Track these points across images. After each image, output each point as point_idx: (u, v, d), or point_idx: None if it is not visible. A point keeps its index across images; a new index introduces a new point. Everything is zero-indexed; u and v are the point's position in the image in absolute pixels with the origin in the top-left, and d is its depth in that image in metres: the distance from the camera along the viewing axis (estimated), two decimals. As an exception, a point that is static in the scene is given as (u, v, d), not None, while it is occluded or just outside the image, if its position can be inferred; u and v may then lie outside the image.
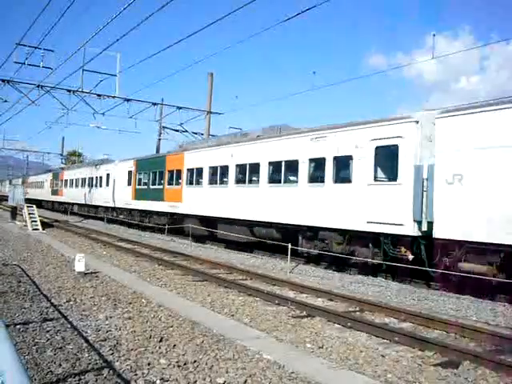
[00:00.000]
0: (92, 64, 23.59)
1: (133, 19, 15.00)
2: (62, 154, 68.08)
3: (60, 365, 5.61)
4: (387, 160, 13.39)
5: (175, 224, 24.64)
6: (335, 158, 14.81)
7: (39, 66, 24.01)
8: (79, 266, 12.15)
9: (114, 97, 27.89)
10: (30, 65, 23.88)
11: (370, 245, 13.64)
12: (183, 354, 6.25)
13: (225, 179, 20.73)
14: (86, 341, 6.63)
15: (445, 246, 11.68)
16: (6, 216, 34.77)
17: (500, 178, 10.61)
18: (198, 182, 22.96)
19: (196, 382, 5.35)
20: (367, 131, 13.84)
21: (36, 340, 6.55)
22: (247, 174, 19.08)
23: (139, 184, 29.21)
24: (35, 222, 26.82)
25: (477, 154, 11.00)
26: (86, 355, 6.01)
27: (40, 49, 23.49)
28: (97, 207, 36.85)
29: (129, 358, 5.98)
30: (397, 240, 12.94)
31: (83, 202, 39.57)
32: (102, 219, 34.73)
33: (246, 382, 5.42)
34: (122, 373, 5.47)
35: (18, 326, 7.15)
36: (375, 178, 13.56)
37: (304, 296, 11.10)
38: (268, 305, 10.06)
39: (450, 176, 11.52)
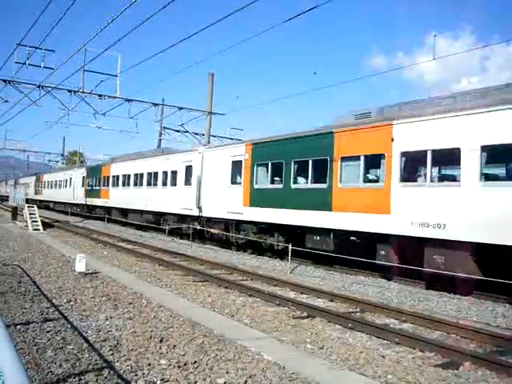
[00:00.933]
0: (93, 64, 23.65)
1: (134, 19, 15.02)
2: (62, 155, 68.10)
3: (60, 365, 5.61)
4: (188, 173, 23.61)
5: (109, 214, 34.45)
6: (164, 172, 26.41)
7: (40, 67, 23.98)
8: (80, 267, 12.15)
9: (114, 97, 27.85)
10: (30, 65, 23.83)
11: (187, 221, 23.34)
12: (183, 355, 6.25)
13: (129, 183, 31.12)
14: (87, 341, 6.63)
15: (207, 220, 21.75)
16: (7, 216, 34.77)
17: (216, 184, 20.91)
18: (117, 185, 33.28)
19: (196, 382, 5.35)
20: (179, 156, 25.18)
21: (36, 340, 6.54)
22: (138, 179, 29.68)
23: (89, 186, 39.55)
24: (36, 222, 26.82)
25: (210, 170, 21.65)
26: (87, 355, 6.01)
27: (41, 49, 23.46)
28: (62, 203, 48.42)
29: (129, 359, 5.97)
30: (192, 218, 22.81)
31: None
32: (102, 219, 34.78)
33: (246, 382, 5.42)
34: (123, 373, 5.47)
35: (18, 326, 7.15)
36: (185, 183, 23.75)
37: (304, 296, 11.10)
38: (268, 305, 10.06)
39: (206, 182, 21.68)
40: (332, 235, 14.79)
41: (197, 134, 34.53)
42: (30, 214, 27.40)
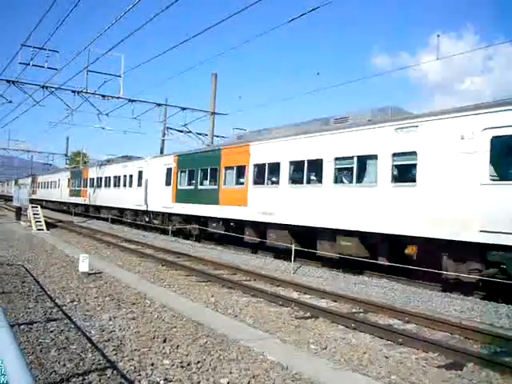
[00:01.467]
0: (96, 65, 23.68)
1: (137, 20, 15.03)
2: (66, 155, 68.10)
3: (64, 365, 5.62)
4: (140, 177, 29.43)
5: (87, 211, 40.27)
6: (125, 176, 32.47)
7: (44, 67, 24.02)
8: (83, 267, 12.18)
9: (118, 97, 27.89)
10: (34, 65, 23.89)
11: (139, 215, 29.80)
12: (187, 355, 6.25)
13: (101, 185, 37.12)
14: (90, 341, 6.65)
15: (153, 213, 27.65)
16: (11, 216, 34.88)
17: (156, 186, 26.77)
18: (92, 186, 39.15)
19: (199, 382, 5.35)
20: (134, 163, 31.10)
21: (40, 340, 6.56)
22: (107, 181, 35.87)
23: (72, 187, 45.33)
24: (39, 222, 26.89)
25: (153, 175, 27.52)
26: (90, 355, 6.02)
27: (45, 50, 23.50)
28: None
29: (132, 359, 5.98)
30: (142, 212, 28.84)
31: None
32: (106, 220, 34.87)
33: (249, 382, 5.42)
34: (126, 373, 5.48)
35: (22, 326, 7.17)
36: (138, 185, 29.48)
37: (308, 297, 11.09)
38: (272, 305, 10.05)
39: (151, 184, 27.51)
40: (221, 222, 21.06)
41: (200, 134, 34.56)
42: (34, 214, 27.47)
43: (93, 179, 39.49)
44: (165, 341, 6.83)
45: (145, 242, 22.40)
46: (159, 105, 30.27)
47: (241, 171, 19.80)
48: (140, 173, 29.75)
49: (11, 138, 58.60)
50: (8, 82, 25.42)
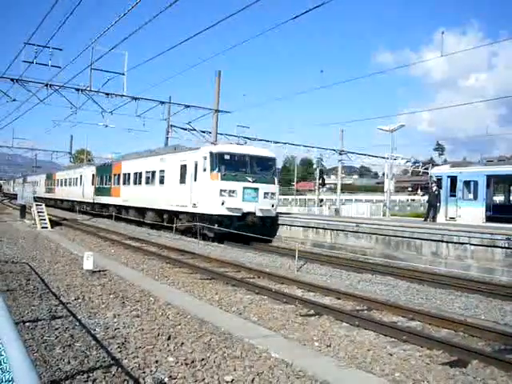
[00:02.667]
0: (100, 63, 23.72)
1: (140, 18, 15.04)
2: (70, 153, 68.36)
3: (69, 362, 5.65)
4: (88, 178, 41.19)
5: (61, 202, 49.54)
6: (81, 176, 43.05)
7: (48, 65, 24.07)
8: (87, 264, 12.20)
9: (122, 95, 27.94)
10: (38, 64, 23.94)
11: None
12: (191, 352, 6.27)
13: (69, 183, 47.98)
14: (95, 338, 6.67)
15: (99, 204, 37.64)
16: (16, 214, 35.00)
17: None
18: (61, 185, 50.52)
19: (204, 379, 5.37)
20: (88, 168, 42.86)
21: (45, 337, 6.59)
22: (76, 180, 45.76)
23: (48, 186, 56.59)
24: (44, 220, 26.96)
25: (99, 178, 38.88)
26: (95, 353, 6.04)
27: (48, 48, 23.54)
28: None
29: (137, 356, 6.00)
30: (89, 204, 40.32)
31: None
32: (110, 217, 34.93)
33: (253, 380, 5.43)
34: (131, 370, 5.50)
35: (27, 324, 7.20)
36: (91, 184, 39.74)
37: (312, 294, 11.09)
38: (276, 303, 10.06)
39: (98, 184, 38.82)
40: (113, 207, 33.73)
41: (204, 131, 34.58)
42: (38, 212, 27.54)
43: (61, 180, 50.92)
44: (169, 338, 6.85)
45: (149, 239, 22.42)
46: (163, 103, 30.30)
47: (118, 177, 32.87)
48: (91, 174, 40.18)
49: (15, 137, 58.68)
50: (12, 80, 25.50)
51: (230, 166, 21.16)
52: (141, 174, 29.38)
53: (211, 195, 20.83)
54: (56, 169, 64.43)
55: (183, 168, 23.46)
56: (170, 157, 25.77)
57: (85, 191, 41.08)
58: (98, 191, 37.65)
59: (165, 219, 25.59)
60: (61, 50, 24.22)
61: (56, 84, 26.13)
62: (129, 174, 31.46)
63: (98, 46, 21.72)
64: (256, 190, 21.22)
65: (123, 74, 26.45)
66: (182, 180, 23.45)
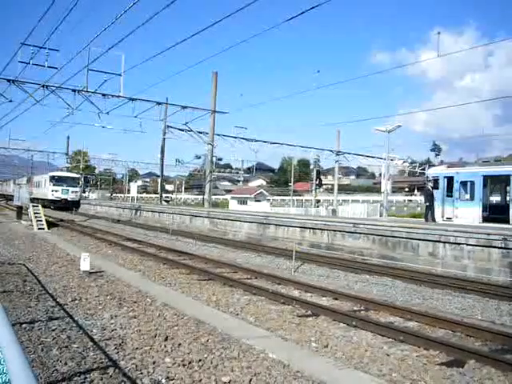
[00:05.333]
0: (97, 64, 23.55)
1: (137, 19, 15.03)
2: (67, 154, 68.22)
3: (66, 363, 5.64)
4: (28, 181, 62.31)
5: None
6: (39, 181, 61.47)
7: (44, 66, 24.06)
8: (84, 265, 12.18)
9: (118, 96, 27.94)
10: (35, 64, 23.93)
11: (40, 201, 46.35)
12: (188, 353, 6.26)
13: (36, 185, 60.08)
14: (92, 340, 6.66)
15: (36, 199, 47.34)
16: (12, 215, 34.92)
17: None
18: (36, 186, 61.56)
19: (201, 380, 5.36)
20: (43, 176, 60.79)
21: (42, 339, 6.58)
22: (37, 183, 59.51)
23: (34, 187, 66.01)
24: (40, 221, 26.89)
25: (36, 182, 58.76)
26: (92, 354, 6.03)
27: (45, 48, 23.53)
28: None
29: (134, 357, 6.00)
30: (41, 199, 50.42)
31: None
32: (107, 219, 34.89)
33: (251, 380, 5.43)
34: (128, 371, 5.49)
35: (23, 325, 7.19)
36: (39, 186, 56.88)
37: (309, 295, 11.09)
38: (273, 304, 10.06)
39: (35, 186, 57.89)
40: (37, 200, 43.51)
41: (201, 132, 34.58)
42: (35, 213, 27.47)
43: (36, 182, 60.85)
44: (166, 339, 6.84)
45: (146, 240, 22.40)
46: (159, 103, 30.33)
47: (40, 183, 51.76)
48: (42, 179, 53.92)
49: (11, 137, 58.52)
50: (8, 81, 25.47)
51: (57, 180, 50.07)
52: (38, 182, 55.85)
53: (49, 192, 49.44)
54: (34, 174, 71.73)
55: (44, 180, 52.05)
56: (42, 176, 54.43)
57: (46, 191, 55.67)
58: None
59: (40, 202, 38.66)
60: (57, 50, 24.26)
61: (52, 85, 26.12)
62: (38, 182, 56.66)
63: (94, 46, 21.65)
64: (67, 190, 49.70)
65: (120, 75, 26.45)
66: (44, 185, 51.46)
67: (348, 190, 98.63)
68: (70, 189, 50.40)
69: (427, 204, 24.70)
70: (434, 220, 23.51)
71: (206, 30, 14.67)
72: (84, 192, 78.93)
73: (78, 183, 48.73)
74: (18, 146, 61.63)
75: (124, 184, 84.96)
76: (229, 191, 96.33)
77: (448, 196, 24.57)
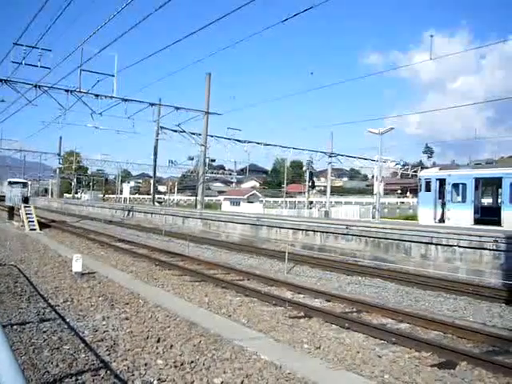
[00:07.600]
0: (90, 64, 23.47)
1: (130, 19, 15.00)
2: (59, 154, 67.87)
3: (57, 365, 5.60)
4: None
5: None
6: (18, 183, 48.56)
7: (37, 66, 23.93)
8: (76, 267, 12.12)
9: (111, 97, 27.86)
10: (27, 64, 23.80)
11: None
12: (180, 355, 6.25)
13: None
14: (83, 341, 6.62)
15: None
16: (4, 216, 34.72)
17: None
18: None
19: (193, 382, 5.35)
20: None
21: (33, 340, 6.53)
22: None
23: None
24: (32, 222, 26.74)
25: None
26: (83, 355, 6.00)
27: (37, 48, 23.39)
28: None
29: (126, 359, 5.97)
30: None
31: None
32: (99, 220, 34.77)
33: (242, 382, 5.42)
34: (119, 373, 5.47)
35: (14, 327, 7.13)
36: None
37: (301, 297, 11.11)
38: (265, 305, 10.06)
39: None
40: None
41: (194, 133, 34.53)
42: (27, 213, 27.30)
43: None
44: (158, 341, 6.82)
45: (138, 241, 22.34)
46: (152, 104, 30.26)
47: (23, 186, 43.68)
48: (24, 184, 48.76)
49: (3, 138, 58.21)
50: (0, 81, 25.31)
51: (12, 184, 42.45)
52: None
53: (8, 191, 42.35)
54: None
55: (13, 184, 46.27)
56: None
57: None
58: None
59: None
60: (50, 50, 24.09)
61: (45, 85, 26.01)
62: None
63: (87, 47, 21.64)
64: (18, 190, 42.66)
65: (113, 76, 26.38)
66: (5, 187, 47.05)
67: (341, 191, 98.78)
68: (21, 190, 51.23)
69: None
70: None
71: (200, 32, 14.68)
72: (77, 193, 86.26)
73: (26, 186, 50.92)
74: (10, 146, 61.31)
75: (116, 185, 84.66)
76: (222, 192, 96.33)
77: (440, 198, 24.69)
